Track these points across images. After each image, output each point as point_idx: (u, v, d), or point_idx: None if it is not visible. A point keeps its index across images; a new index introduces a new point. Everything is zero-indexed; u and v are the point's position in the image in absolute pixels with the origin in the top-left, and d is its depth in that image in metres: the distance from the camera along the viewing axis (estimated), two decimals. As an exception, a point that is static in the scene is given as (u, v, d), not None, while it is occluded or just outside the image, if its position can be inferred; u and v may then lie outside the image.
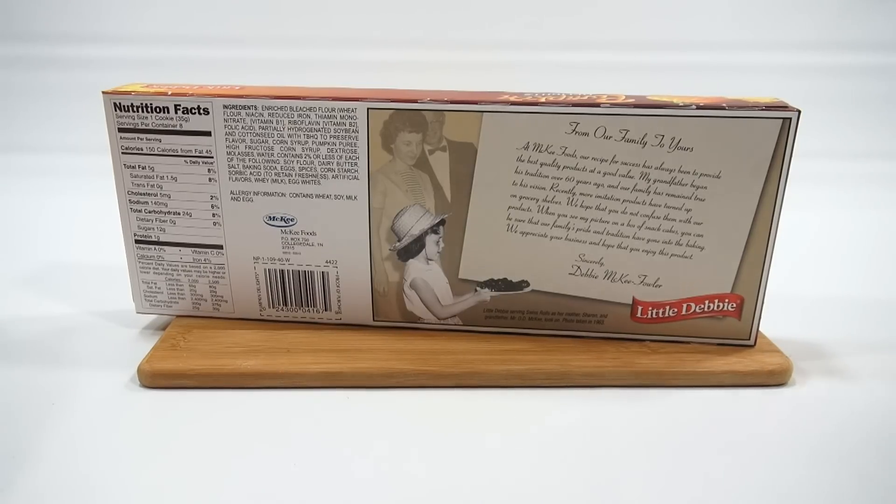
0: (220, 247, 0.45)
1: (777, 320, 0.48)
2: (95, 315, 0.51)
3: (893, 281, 0.59)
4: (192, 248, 0.45)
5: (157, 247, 0.46)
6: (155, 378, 0.42)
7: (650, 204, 0.41)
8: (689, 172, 0.40)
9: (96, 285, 0.55)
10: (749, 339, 0.44)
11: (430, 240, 0.44)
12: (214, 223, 0.45)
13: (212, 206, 0.44)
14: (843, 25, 0.83)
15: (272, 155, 0.43)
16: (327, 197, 0.43)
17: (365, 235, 0.44)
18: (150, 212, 0.45)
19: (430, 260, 0.44)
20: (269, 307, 0.47)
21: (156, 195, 0.44)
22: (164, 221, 0.45)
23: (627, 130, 0.40)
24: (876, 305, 0.54)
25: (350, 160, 0.42)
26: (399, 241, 0.44)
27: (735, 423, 0.39)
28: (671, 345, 0.45)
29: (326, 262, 0.45)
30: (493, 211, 0.42)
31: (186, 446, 0.37)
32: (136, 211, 0.45)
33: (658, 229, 0.42)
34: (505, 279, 0.44)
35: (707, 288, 0.43)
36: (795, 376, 0.43)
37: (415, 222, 0.43)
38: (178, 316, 0.48)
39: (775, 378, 0.42)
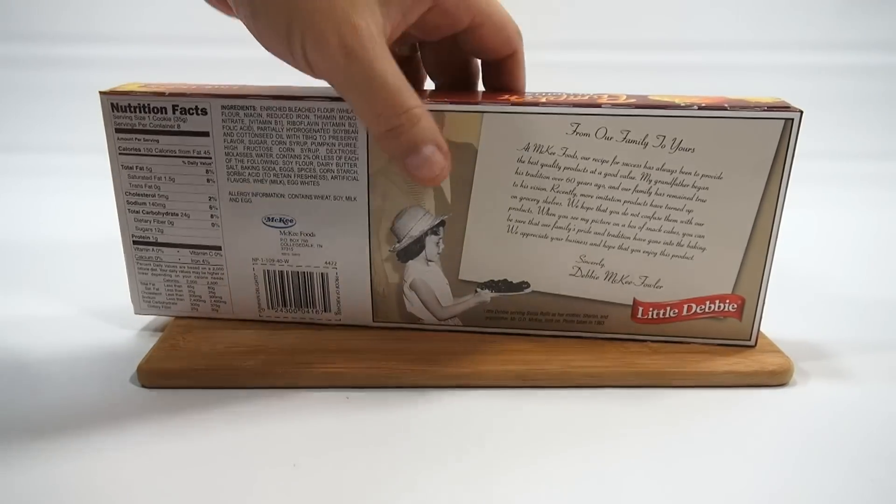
0: (219, 248, 0.45)
1: (778, 321, 0.48)
2: (95, 315, 0.50)
3: (894, 281, 0.59)
4: (191, 249, 0.45)
5: (155, 248, 0.45)
6: (155, 378, 0.41)
7: (651, 205, 0.41)
8: (690, 173, 0.40)
9: (96, 285, 0.55)
10: (750, 340, 0.44)
11: (430, 241, 0.43)
12: (213, 224, 0.44)
13: (210, 207, 0.44)
14: (845, 25, 0.83)
15: (271, 156, 0.42)
16: (326, 198, 0.43)
17: (364, 237, 0.44)
18: (148, 213, 0.45)
19: (430, 261, 0.44)
20: (269, 308, 0.47)
21: (154, 196, 0.44)
22: (162, 222, 0.45)
23: (629, 131, 0.40)
24: (877, 305, 0.54)
25: (349, 161, 0.42)
26: (399, 242, 0.44)
27: (736, 424, 0.39)
28: (672, 345, 0.44)
29: (326, 263, 0.45)
30: (494, 212, 0.42)
31: (186, 446, 0.37)
32: (133, 212, 0.45)
33: (659, 230, 0.42)
34: (505, 280, 0.44)
35: (708, 289, 0.43)
36: (796, 377, 0.43)
37: (415, 223, 0.43)
38: (177, 317, 0.48)
39: (776, 378, 0.42)
